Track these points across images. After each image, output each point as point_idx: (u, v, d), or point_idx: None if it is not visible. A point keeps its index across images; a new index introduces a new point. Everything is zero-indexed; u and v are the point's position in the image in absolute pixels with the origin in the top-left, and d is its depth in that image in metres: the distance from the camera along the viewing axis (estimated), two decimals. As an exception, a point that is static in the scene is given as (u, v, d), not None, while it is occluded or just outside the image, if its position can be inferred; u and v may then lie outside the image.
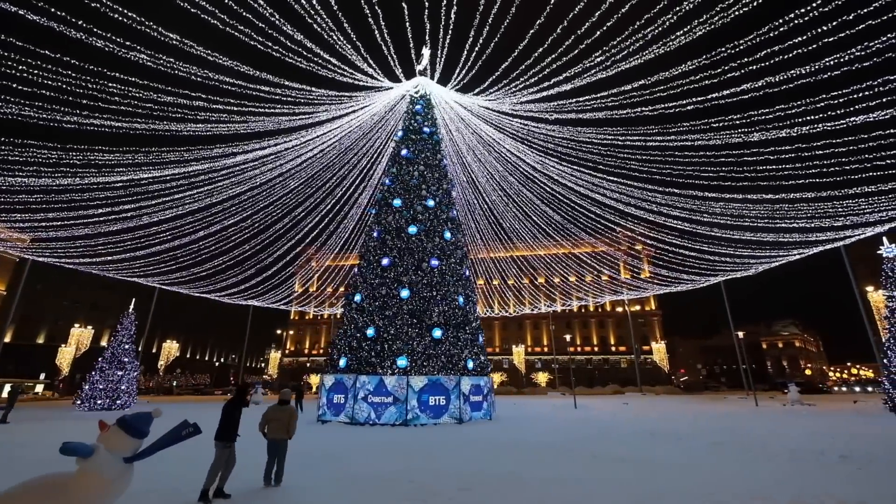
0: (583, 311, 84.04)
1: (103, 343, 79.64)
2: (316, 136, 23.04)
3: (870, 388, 56.07)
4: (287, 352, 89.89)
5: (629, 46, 13.88)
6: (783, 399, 33.77)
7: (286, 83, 17.18)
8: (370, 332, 19.51)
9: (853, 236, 23.39)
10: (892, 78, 11.71)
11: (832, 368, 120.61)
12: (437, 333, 19.40)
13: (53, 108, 13.56)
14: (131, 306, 30.19)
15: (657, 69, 14.03)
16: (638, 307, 77.57)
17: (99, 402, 26.82)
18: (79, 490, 3.53)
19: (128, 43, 12.89)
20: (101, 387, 27.24)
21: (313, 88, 18.37)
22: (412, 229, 21.68)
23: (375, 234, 22.37)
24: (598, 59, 14.68)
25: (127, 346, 28.89)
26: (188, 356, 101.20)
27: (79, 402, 27.15)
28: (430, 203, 22.69)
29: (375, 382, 18.15)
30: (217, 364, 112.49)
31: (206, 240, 28.19)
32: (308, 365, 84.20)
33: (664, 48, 13.55)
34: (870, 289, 37.24)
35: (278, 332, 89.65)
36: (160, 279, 34.08)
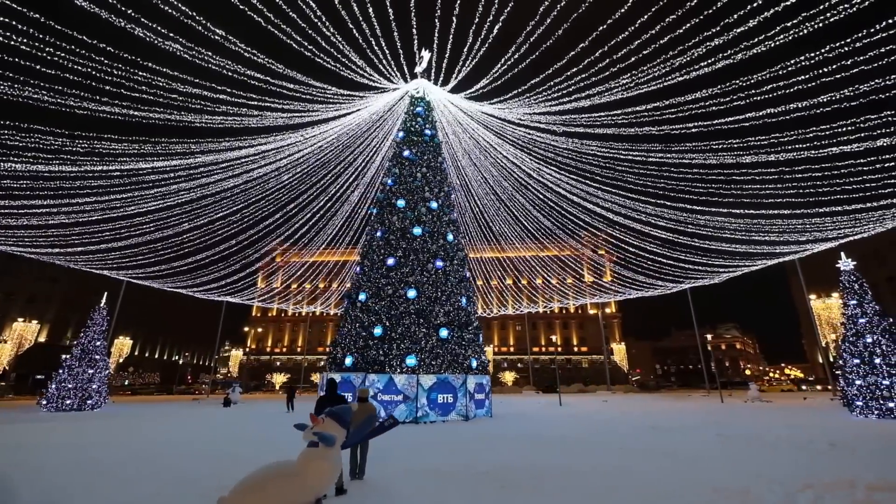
0: (547, 312, 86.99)
1: (42, 339, 73.71)
2: (320, 132, 22.86)
3: (804, 387, 61.54)
4: (248, 350, 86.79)
5: (655, 71, 15.15)
6: (739, 396, 36.81)
7: (310, 81, 17.09)
8: (377, 331, 19.68)
9: (809, 250, 26.12)
10: (872, 116, 13.70)
11: (768, 369, 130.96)
12: (444, 333, 19.88)
13: (74, 94, 12.81)
14: (103, 300, 28.47)
15: (673, 93, 15.40)
16: (599, 310, 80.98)
17: (67, 402, 25.16)
18: (314, 474, 3.84)
19: (171, 34, 12.45)
20: (69, 385, 25.57)
21: (332, 87, 18.36)
22: (417, 230, 22.00)
23: (379, 234, 22.48)
24: (624, 81, 15.88)
25: (98, 343, 27.27)
26: (136, 353, 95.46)
27: (44, 402, 25.32)
28: (434, 205, 23.09)
29: (385, 381, 18.37)
30: (180, 362, 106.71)
31: (189, 233, 27.09)
32: (278, 364, 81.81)
33: (685, 76, 14.90)
34: (812, 297, 41.15)
35: (246, 329, 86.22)
36: (131, 273, 32.25)
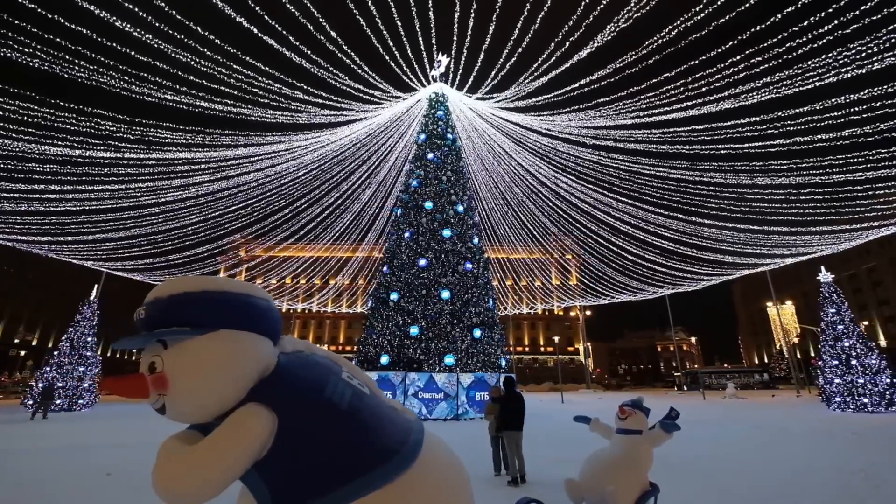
0: (517, 313, 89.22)
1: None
2: (351, 132, 22.82)
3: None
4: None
5: (708, 96, 16.64)
6: (711, 394, 39.94)
7: (380, 83, 17.15)
8: (413, 330, 20.02)
9: (784, 263, 29.17)
10: (883, 151, 15.99)
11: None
12: (477, 333, 20.55)
13: (164, 84, 12.13)
14: (93, 294, 26.66)
15: (714, 119, 16.97)
16: (581, 311, 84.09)
17: (57, 402, 23.42)
18: (647, 461, 4.49)
19: (285, 33, 12.12)
20: (59, 384, 23.84)
21: (391, 89, 18.49)
22: (446, 232, 22.48)
23: (407, 235, 22.72)
24: (677, 107, 17.29)
25: (89, 339, 25.57)
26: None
27: (30, 402, 23.36)
28: (460, 208, 23.64)
29: (425, 379, 18.76)
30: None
31: (194, 226, 25.97)
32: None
33: (730, 105, 16.51)
34: (769, 304, 45.39)
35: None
36: (117, 265, 30.27)
